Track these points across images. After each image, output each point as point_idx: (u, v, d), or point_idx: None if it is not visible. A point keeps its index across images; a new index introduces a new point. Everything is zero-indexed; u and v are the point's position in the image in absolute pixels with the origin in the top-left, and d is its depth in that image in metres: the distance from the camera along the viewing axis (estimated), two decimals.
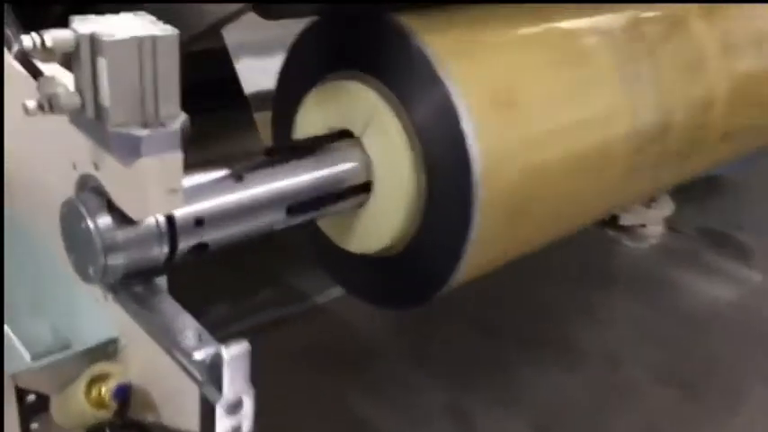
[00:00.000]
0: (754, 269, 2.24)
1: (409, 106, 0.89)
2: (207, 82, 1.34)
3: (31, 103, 0.62)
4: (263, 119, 1.15)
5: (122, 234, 0.71)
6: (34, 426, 0.90)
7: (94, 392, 0.74)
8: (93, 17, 0.64)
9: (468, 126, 0.86)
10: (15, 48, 0.63)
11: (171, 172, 0.66)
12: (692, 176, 1.41)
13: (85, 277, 0.73)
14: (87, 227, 0.70)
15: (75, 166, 0.73)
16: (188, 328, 0.70)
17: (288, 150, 0.90)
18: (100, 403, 0.73)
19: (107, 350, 0.77)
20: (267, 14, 0.82)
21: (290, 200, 0.84)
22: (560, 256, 1.79)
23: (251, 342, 1.81)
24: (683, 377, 1.76)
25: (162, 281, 0.78)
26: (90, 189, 0.72)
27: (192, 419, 0.65)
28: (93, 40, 0.61)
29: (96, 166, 0.70)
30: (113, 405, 0.72)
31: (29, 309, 0.88)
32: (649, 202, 2.27)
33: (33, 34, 0.60)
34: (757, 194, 2.56)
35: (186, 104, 0.66)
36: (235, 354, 0.63)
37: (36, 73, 0.66)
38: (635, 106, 1.09)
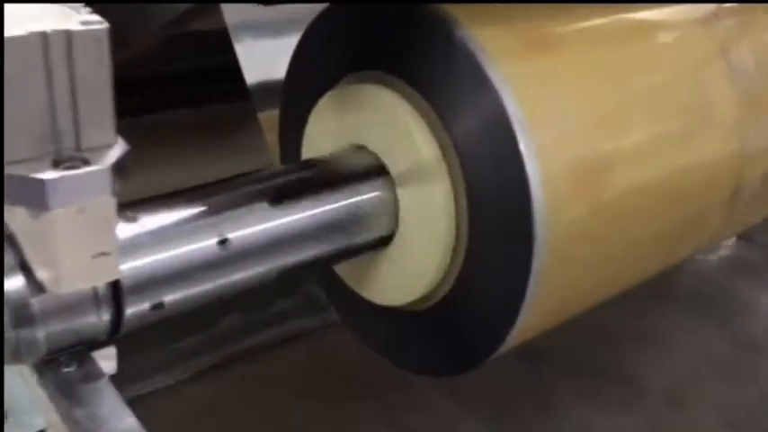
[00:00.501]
0: None
1: (448, 119, 0.67)
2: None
3: None
4: (269, 119, 0.94)
5: (40, 302, 0.52)
6: None
7: None
8: None
9: (526, 147, 0.64)
10: None
11: (97, 228, 0.46)
12: None
13: None
14: None
15: None
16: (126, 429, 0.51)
17: (278, 191, 0.67)
18: None
19: None
20: None
21: (285, 257, 0.63)
22: None
23: (263, 361, 1.59)
24: (761, 423, 1.52)
25: (108, 356, 0.59)
26: (7, 237, 0.53)
27: None
28: None
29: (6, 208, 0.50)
30: None
31: None
32: None
33: None
34: None
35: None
36: None
37: None
38: (745, 116, 0.85)
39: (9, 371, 0.62)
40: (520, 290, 0.67)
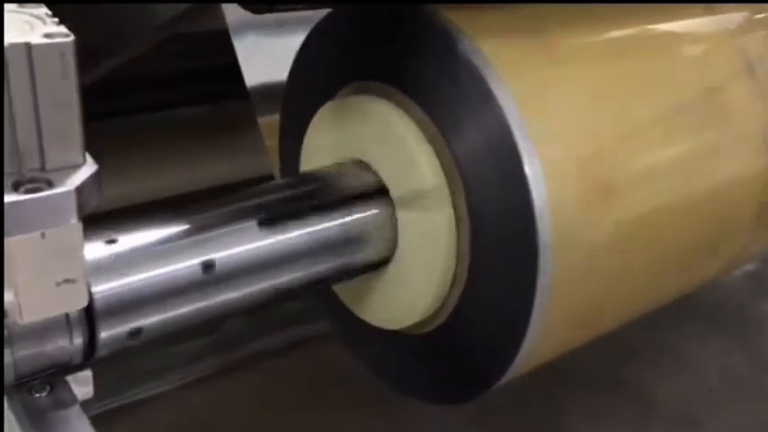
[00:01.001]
0: None
1: (450, 135, 0.63)
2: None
3: None
4: (269, 125, 0.90)
5: (10, 325, 0.49)
6: None
7: None
8: None
9: (531, 167, 0.60)
10: None
11: (62, 255, 0.43)
12: None
13: None
14: None
15: None
16: None
17: (269, 213, 0.62)
18: None
19: None
20: (254, 7, 0.57)
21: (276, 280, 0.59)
22: None
23: (267, 367, 1.56)
24: None
25: (84, 381, 0.56)
26: None
27: None
28: None
29: None
30: None
31: None
32: None
33: None
34: None
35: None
36: None
37: None
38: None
39: None
40: (523, 319, 0.63)
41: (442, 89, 0.63)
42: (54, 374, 0.54)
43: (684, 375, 1.66)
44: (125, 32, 0.70)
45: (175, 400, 1.39)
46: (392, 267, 0.68)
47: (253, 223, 0.59)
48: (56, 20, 0.42)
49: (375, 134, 0.67)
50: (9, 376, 0.51)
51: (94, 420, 0.53)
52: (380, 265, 0.69)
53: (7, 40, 0.39)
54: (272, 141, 0.90)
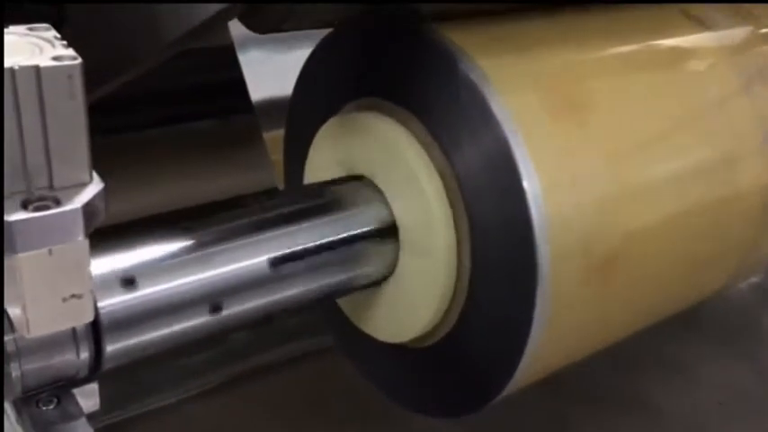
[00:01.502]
0: None
1: (451, 153, 0.64)
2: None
3: None
4: (274, 140, 0.92)
5: (17, 339, 0.50)
6: None
7: None
8: None
9: (530, 182, 0.61)
10: None
11: (68, 271, 0.44)
12: None
13: None
14: None
15: None
16: None
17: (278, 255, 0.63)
18: None
19: None
20: (256, 26, 0.58)
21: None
22: None
23: (272, 380, 1.56)
24: None
25: (90, 394, 0.57)
26: None
27: None
28: None
29: None
30: None
31: None
32: None
33: None
34: None
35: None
36: None
37: None
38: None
39: None
40: (523, 332, 0.63)
41: (442, 106, 0.64)
42: (61, 387, 0.55)
43: (692, 389, 1.65)
44: (133, 51, 0.71)
45: (179, 413, 1.39)
46: (394, 282, 0.69)
47: (264, 266, 0.60)
48: (64, 42, 0.44)
49: (377, 150, 0.68)
50: (17, 389, 0.52)
51: None
52: (383, 280, 0.70)
53: (17, 62, 0.40)
54: (277, 156, 0.91)
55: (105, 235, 0.50)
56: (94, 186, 0.44)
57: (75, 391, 0.56)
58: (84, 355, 0.53)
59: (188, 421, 1.37)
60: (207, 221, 0.60)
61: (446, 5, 0.66)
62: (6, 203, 0.42)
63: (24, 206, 0.42)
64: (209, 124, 1.23)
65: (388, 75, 0.69)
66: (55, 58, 0.41)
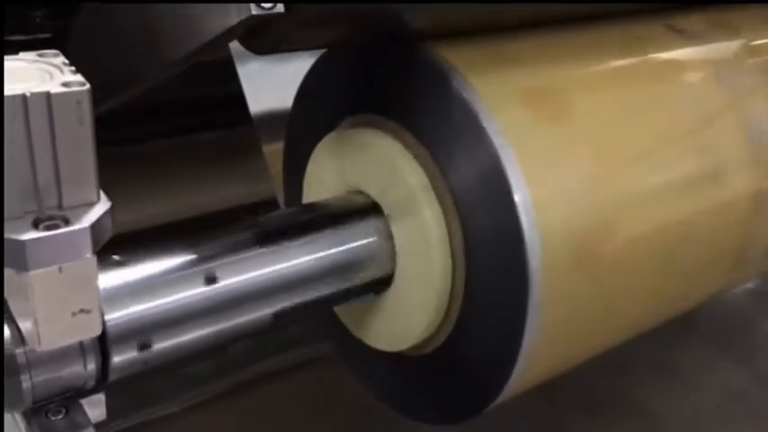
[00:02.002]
0: None
1: (444, 166, 0.67)
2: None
3: None
4: (274, 153, 0.94)
5: (27, 352, 0.52)
6: None
7: None
8: None
9: (521, 195, 0.63)
10: None
11: (77, 287, 0.46)
12: None
13: None
14: None
15: None
16: None
17: (274, 233, 0.66)
18: None
19: None
20: (254, 47, 0.60)
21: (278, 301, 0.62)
22: None
23: (273, 388, 1.57)
24: None
25: (96, 404, 0.59)
26: None
27: None
28: None
29: None
30: None
31: None
32: None
33: None
34: None
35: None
36: None
37: None
38: (758, 152, 0.82)
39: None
40: (516, 341, 0.65)
41: (436, 123, 0.66)
42: (69, 398, 0.57)
43: (690, 394, 1.66)
44: (135, 70, 0.73)
45: (181, 422, 1.41)
46: (390, 291, 0.71)
47: (255, 244, 0.62)
48: (72, 68, 0.46)
49: (374, 165, 0.70)
50: (27, 400, 0.54)
51: None
52: (381, 287, 0.72)
53: (29, 88, 0.42)
54: (276, 168, 0.94)
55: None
56: (102, 205, 0.46)
57: (83, 401, 0.58)
58: (92, 366, 0.55)
59: (189, 430, 1.39)
60: (210, 236, 0.62)
61: (438, 23, 0.68)
62: (18, 223, 0.44)
63: (35, 225, 0.44)
64: (211, 136, 1.25)
65: (384, 92, 0.71)
66: (64, 84, 0.43)
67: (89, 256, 0.45)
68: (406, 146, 0.68)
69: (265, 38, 0.57)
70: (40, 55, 0.47)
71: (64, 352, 0.53)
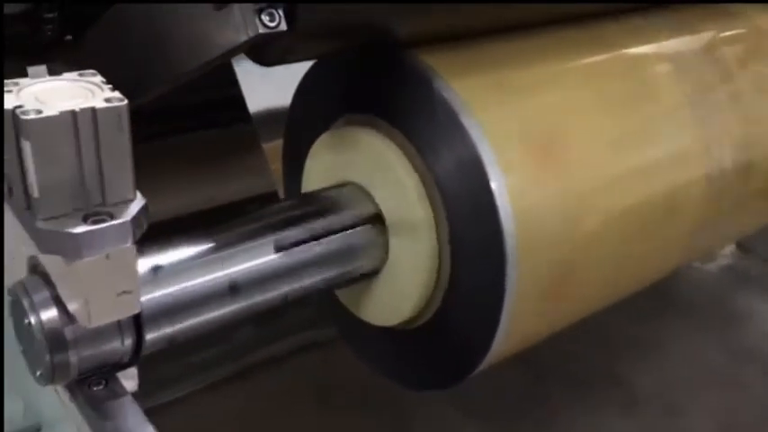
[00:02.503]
0: None
1: (429, 159, 0.75)
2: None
3: None
4: (273, 150, 1.02)
5: (72, 331, 0.60)
6: None
7: None
8: (22, 82, 0.53)
9: (497, 182, 0.71)
10: None
11: (121, 272, 0.54)
12: None
13: (35, 378, 0.62)
14: (30, 323, 0.59)
15: (25, 243, 0.62)
16: None
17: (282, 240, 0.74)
18: None
19: None
20: (261, 60, 0.68)
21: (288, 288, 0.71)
22: None
23: (275, 373, 1.65)
24: (750, 429, 1.57)
25: (130, 376, 0.67)
26: (40, 274, 0.61)
27: None
28: (15, 117, 0.49)
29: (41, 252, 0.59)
30: None
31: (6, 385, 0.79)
32: None
33: None
34: None
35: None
36: None
37: None
38: (709, 144, 0.92)
39: (44, 388, 0.70)
40: (495, 314, 0.74)
41: (421, 121, 0.75)
42: (107, 371, 0.65)
43: (666, 367, 1.76)
44: (149, 79, 0.80)
45: (188, 406, 1.48)
46: (385, 273, 0.80)
47: (271, 250, 0.71)
48: (110, 86, 0.53)
49: (366, 160, 0.78)
50: (73, 372, 0.61)
51: None
52: (375, 272, 0.80)
53: (78, 105, 0.50)
54: (276, 165, 1.02)
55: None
56: (138, 202, 0.54)
57: (119, 374, 0.66)
58: (128, 342, 0.63)
59: (195, 415, 1.47)
60: (224, 225, 0.70)
61: (421, 32, 0.76)
62: (70, 219, 0.52)
63: (85, 220, 0.52)
64: (212, 133, 1.32)
65: (375, 94, 0.79)
66: (107, 100, 0.51)
67: (130, 245, 0.53)
68: (396, 142, 0.76)
69: (271, 51, 0.65)
70: (80, 74, 0.55)
71: (105, 330, 0.61)
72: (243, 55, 0.75)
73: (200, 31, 0.68)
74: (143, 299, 0.63)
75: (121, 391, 0.64)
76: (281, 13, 0.60)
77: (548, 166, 0.75)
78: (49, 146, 0.49)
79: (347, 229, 0.76)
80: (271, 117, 1.07)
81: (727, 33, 1.01)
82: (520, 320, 0.76)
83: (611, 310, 1.95)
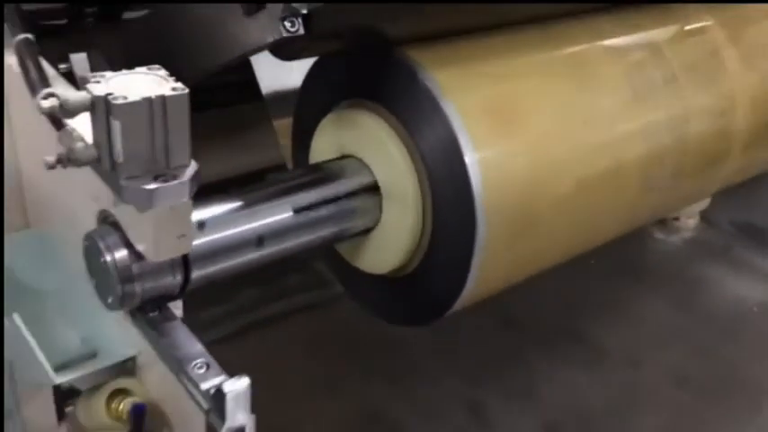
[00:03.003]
0: None
1: (415, 135, 0.93)
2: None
3: (50, 158, 0.68)
4: (283, 126, 1.18)
5: (138, 267, 0.77)
6: (69, 409, 0.98)
7: (114, 405, 0.81)
8: (107, 75, 0.69)
9: (469, 155, 0.89)
10: (41, 94, 0.68)
11: (180, 219, 0.71)
12: (716, 189, 1.40)
13: (105, 304, 0.79)
14: (106, 261, 0.76)
15: (97, 200, 0.79)
16: (197, 356, 0.76)
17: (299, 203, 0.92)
18: (118, 417, 0.81)
19: (127, 366, 0.84)
20: (282, 55, 0.85)
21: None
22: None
23: (275, 329, 1.83)
24: (704, 380, 1.75)
25: (177, 306, 0.84)
26: (110, 223, 0.78)
27: None
28: (107, 102, 0.66)
29: (115, 206, 0.76)
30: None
31: (60, 318, 0.96)
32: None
33: (52, 98, 0.65)
34: None
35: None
36: (236, 389, 0.69)
37: (59, 125, 0.71)
38: (648, 120, 1.09)
39: (102, 321, 0.87)
40: (466, 265, 0.92)
41: (408, 104, 0.92)
42: (161, 301, 0.82)
43: (629, 326, 1.93)
44: (189, 70, 0.96)
45: None
46: (378, 230, 0.98)
47: (289, 208, 0.89)
48: (173, 77, 0.70)
49: (364, 137, 0.96)
50: (137, 301, 0.78)
51: None
52: (370, 229, 0.98)
53: (153, 92, 0.66)
54: (285, 141, 1.19)
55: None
56: (193, 167, 0.71)
57: (169, 304, 0.84)
58: (178, 278, 0.80)
59: None
60: (250, 188, 0.88)
61: (409, 33, 0.93)
62: (144, 178, 0.69)
63: (155, 179, 0.69)
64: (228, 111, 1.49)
65: (372, 83, 0.96)
66: (173, 89, 0.68)
67: (187, 199, 0.70)
68: (388, 123, 0.94)
69: (290, 49, 0.82)
70: (149, 68, 0.71)
71: (162, 267, 0.78)
72: None
73: (234, 31, 0.85)
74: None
75: (172, 317, 0.81)
76: (300, 21, 0.77)
77: (510, 136, 0.93)
78: (131, 123, 0.66)
79: (350, 195, 0.94)
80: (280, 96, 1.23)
81: (664, 28, 1.19)
82: (487, 269, 0.94)
83: (581, 277, 2.14)
